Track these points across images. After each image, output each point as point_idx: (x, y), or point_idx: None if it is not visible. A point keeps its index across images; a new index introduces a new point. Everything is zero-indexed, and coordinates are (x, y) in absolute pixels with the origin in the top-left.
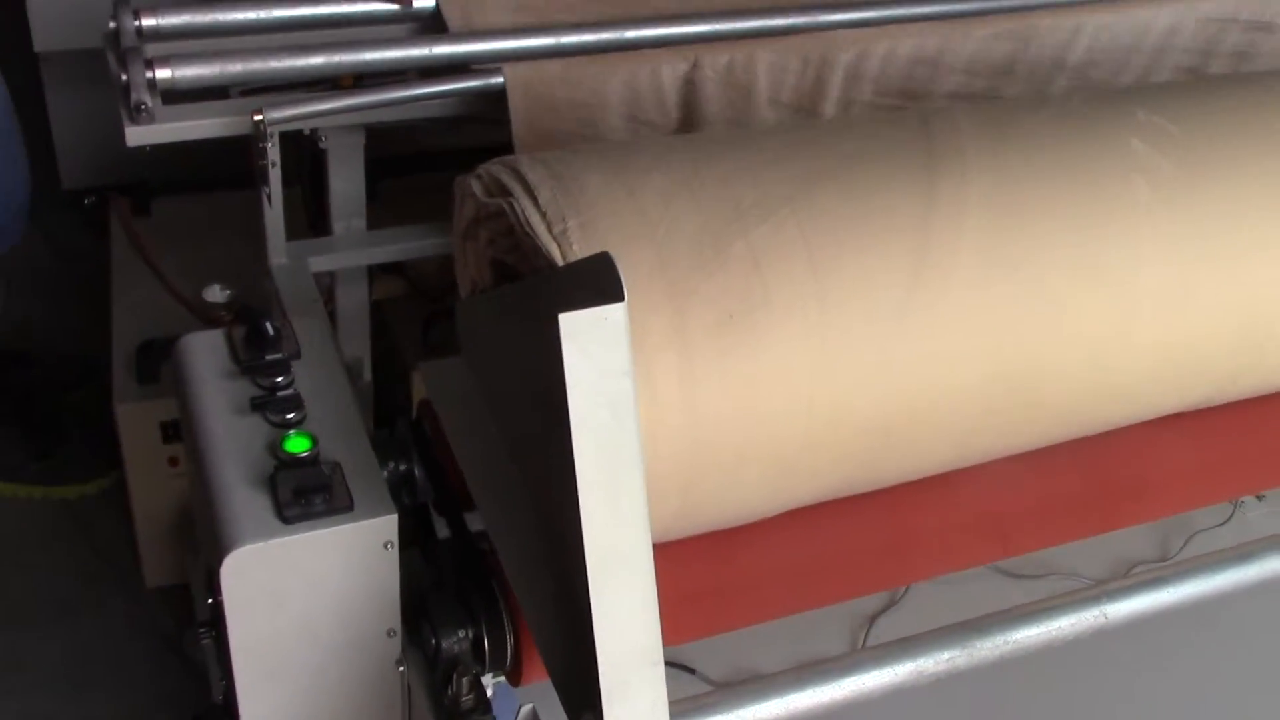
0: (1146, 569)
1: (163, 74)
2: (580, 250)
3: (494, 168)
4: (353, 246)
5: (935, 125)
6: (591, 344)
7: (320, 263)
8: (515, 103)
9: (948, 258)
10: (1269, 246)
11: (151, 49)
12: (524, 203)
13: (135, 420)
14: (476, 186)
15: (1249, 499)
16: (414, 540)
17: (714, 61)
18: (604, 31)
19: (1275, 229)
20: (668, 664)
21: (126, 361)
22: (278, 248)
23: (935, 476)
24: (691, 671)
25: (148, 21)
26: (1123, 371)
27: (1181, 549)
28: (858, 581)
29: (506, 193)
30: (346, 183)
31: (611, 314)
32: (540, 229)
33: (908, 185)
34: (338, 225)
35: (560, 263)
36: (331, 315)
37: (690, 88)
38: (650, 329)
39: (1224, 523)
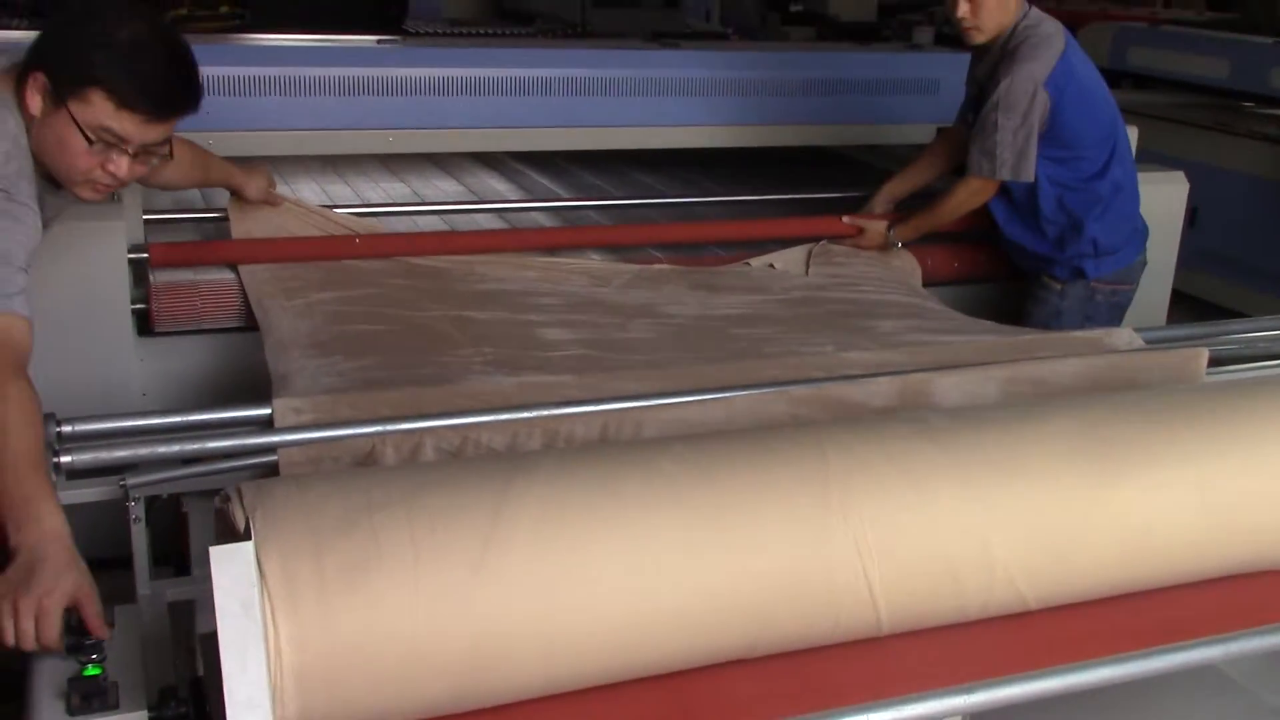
0: None
1: (65, 459)
2: (259, 527)
3: (229, 487)
4: (201, 582)
5: (522, 461)
6: (229, 566)
7: (174, 593)
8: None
9: (511, 535)
10: (766, 539)
11: (66, 445)
12: (234, 504)
13: None
14: (217, 500)
15: None
16: None
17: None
18: (363, 426)
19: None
20: None
21: None
22: (143, 580)
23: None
24: None
25: (65, 428)
26: (651, 621)
27: None
28: None
29: (229, 500)
30: (202, 537)
31: (242, 549)
32: (239, 516)
33: (486, 490)
34: (195, 569)
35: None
36: None
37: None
38: (299, 571)
39: None
